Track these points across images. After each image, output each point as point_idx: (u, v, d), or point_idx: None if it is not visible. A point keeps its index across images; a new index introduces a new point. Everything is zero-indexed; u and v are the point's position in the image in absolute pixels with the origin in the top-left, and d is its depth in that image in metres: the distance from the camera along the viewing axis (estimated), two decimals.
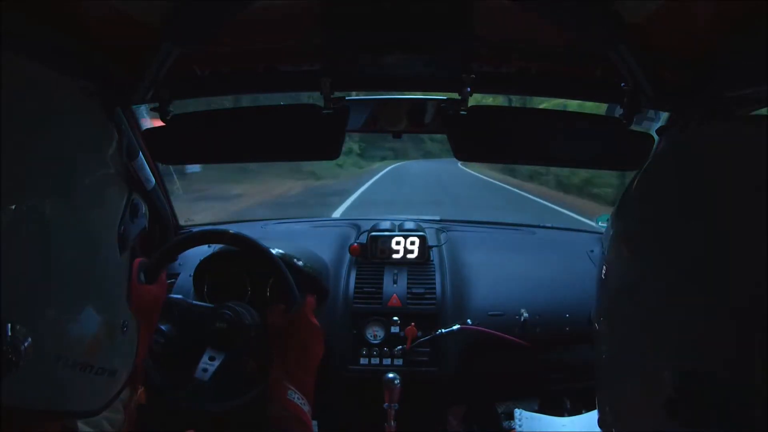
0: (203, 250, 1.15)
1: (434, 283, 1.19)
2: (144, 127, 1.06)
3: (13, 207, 0.37)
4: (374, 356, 1.12)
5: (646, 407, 0.38)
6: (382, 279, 1.20)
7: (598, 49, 0.70)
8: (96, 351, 0.45)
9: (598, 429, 0.50)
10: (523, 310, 1.14)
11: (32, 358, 0.38)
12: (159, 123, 0.91)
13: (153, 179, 1.19)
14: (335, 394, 1.18)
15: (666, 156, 0.49)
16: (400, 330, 1.13)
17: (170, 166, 1.44)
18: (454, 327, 1.11)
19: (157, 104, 0.89)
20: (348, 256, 1.25)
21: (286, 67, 0.92)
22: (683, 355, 0.34)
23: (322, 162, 8.57)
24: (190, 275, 1.15)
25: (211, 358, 0.96)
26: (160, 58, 0.70)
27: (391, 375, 1.04)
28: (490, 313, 1.15)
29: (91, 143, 0.46)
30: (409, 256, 1.24)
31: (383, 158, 16.77)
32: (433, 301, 1.16)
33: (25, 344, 0.38)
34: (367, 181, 10.88)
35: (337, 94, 0.92)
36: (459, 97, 0.92)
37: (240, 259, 1.10)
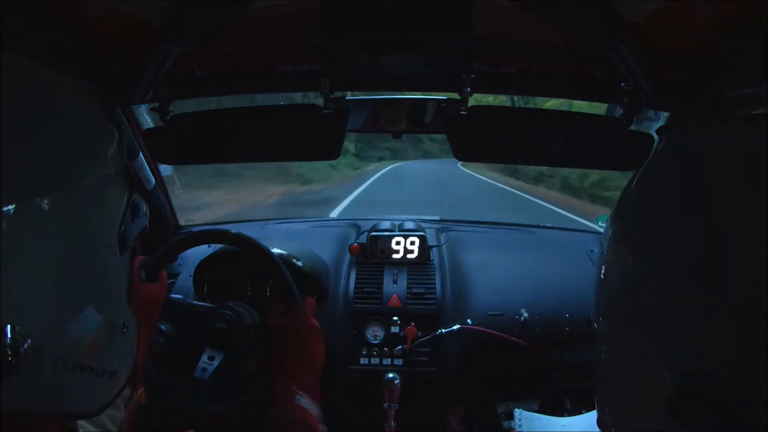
0: (203, 250, 1.15)
1: (434, 283, 1.19)
2: (144, 127, 1.06)
3: (13, 207, 0.37)
4: (374, 356, 1.12)
5: (646, 407, 0.38)
6: (382, 279, 1.20)
7: (598, 49, 0.70)
8: (96, 352, 0.45)
9: (598, 429, 0.50)
10: (523, 310, 1.14)
11: (32, 361, 0.38)
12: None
13: (153, 179, 1.19)
14: (335, 394, 1.18)
15: (666, 156, 0.49)
16: (400, 330, 1.13)
17: (170, 167, 1.44)
18: (454, 327, 1.11)
19: (157, 104, 0.89)
20: (348, 256, 1.25)
21: (286, 67, 0.92)
22: (683, 355, 0.34)
23: (315, 163, 8.48)
24: (190, 275, 1.15)
25: (211, 358, 0.96)
26: (160, 58, 0.70)
27: (391, 375, 1.04)
28: (490, 313, 1.15)
29: (91, 143, 0.46)
30: (409, 256, 1.24)
31: (380, 159, 15.93)
32: (433, 301, 1.16)
33: (25, 346, 0.37)
34: (361, 185, 9.90)
35: (337, 94, 0.92)
36: (459, 97, 0.92)
37: (240, 259, 1.10)
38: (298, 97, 1.27)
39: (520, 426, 0.81)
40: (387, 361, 1.12)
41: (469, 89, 0.90)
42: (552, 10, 0.62)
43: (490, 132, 0.94)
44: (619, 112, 0.85)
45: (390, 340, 1.13)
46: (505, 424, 1.13)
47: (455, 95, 0.93)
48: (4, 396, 0.37)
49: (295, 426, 0.69)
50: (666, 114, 0.87)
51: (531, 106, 5.55)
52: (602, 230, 1.42)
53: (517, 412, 0.84)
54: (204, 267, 1.14)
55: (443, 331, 1.11)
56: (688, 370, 0.34)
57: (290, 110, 0.98)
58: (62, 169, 0.41)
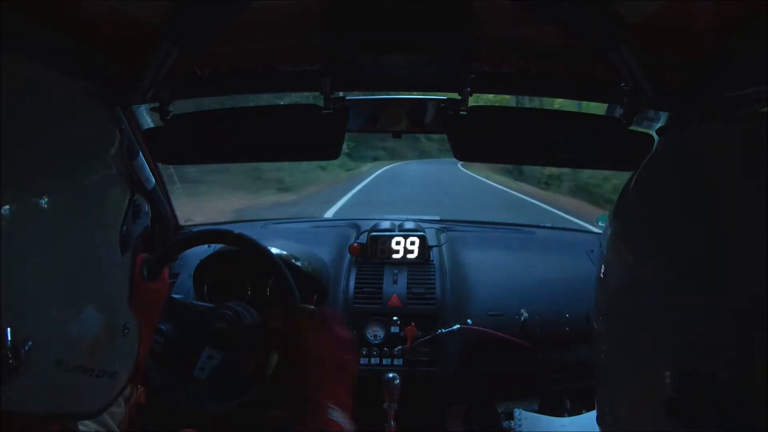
0: (203, 250, 1.15)
1: (434, 283, 1.19)
2: (144, 127, 1.06)
3: (14, 208, 0.37)
4: (374, 356, 1.12)
5: (646, 407, 0.38)
6: (382, 279, 1.20)
7: (598, 49, 0.70)
8: (97, 354, 0.45)
9: (598, 429, 0.50)
10: (523, 310, 1.14)
11: (33, 362, 0.38)
12: None
13: (153, 179, 1.19)
14: None
15: (665, 156, 0.49)
16: (400, 330, 1.13)
17: (170, 167, 1.44)
18: (454, 327, 1.11)
19: (157, 104, 0.89)
20: (348, 256, 1.25)
21: (286, 67, 0.92)
22: (682, 355, 0.34)
23: (300, 165, 8.10)
24: (190, 275, 1.15)
25: (210, 358, 0.96)
26: (160, 58, 0.70)
27: (391, 375, 1.04)
28: (490, 313, 1.15)
29: (91, 143, 0.46)
30: (409, 256, 1.24)
31: (375, 158, 14.53)
32: (433, 301, 1.16)
33: (26, 348, 0.37)
34: (350, 190, 8.50)
35: (337, 94, 0.92)
36: (459, 97, 0.92)
37: (240, 259, 1.10)
38: (298, 97, 1.27)
39: (520, 426, 0.81)
40: (387, 361, 1.12)
41: (469, 89, 0.90)
42: (552, 10, 0.62)
43: (490, 132, 0.94)
44: (619, 112, 0.85)
45: (390, 340, 1.13)
46: (505, 424, 1.13)
47: (455, 95, 0.93)
48: (4, 397, 0.37)
49: None
50: (666, 114, 0.87)
51: (537, 106, 5.38)
52: (602, 230, 1.42)
53: (517, 412, 0.84)
54: (204, 267, 1.14)
55: (443, 331, 1.11)
56: (688, 370, 0.34)
57: (290, 110, 0.98)
58: (63, 170, 0.41)
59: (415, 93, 1.06)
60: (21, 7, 0.54)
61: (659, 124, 0.92)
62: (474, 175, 12.00)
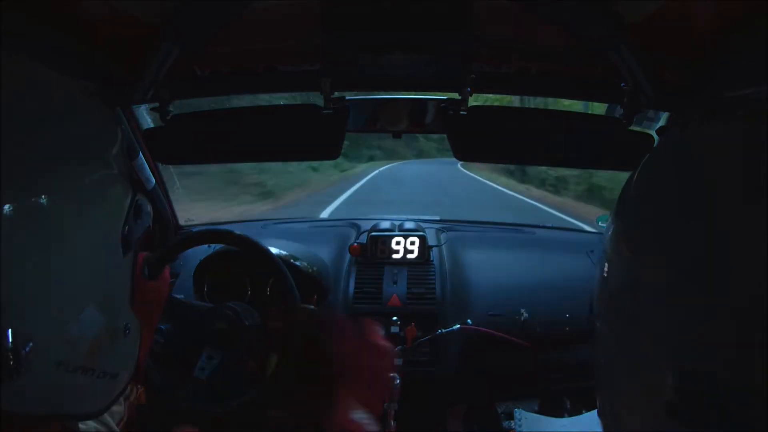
0: (203, 250, 1.15)
1: (434, 283, 1.19)
2: (144, 127, 1.06)
3: (14, 208, 0.37)
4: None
5: (647, 407, 0.38)
6: (382, 279, 1.20)
7: (598, 49, 0.70)
8: (98, 355, 0.45)
9: (598, 429, 0.50)
10: (523, 310, 1.14)
11: (33, 363, 0.38)
12: None
13: (153, 179, 1.19)
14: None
15: (665, 155, 0.49)
16: (400, 330, 1.13)
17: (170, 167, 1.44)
18: (454, 327, 1.11)
19: (157, 104, 0.89)
20: (348, 256, 1.25)
21: (286, 67, 0.92)
22: (685, 356, 0.34)
23: (290, 166, 7.98)
24: (190, 275, 1.15)
25: (210, 358, 0.96)
26: (160, 58, 0.70)
27: (391, 375, 1.04)
28: (490, 313, 1.15)
29: (92, 143, 0.46)
30: (409, 256, 1.24)
31: (371, 158, 13.87)
32: (433, 301, 1.16)
33: (27, 349, 0.37)
34: (339, 196, 7.51)
35: (337, 94, 0.92)
36: (459, 97, 0.92)
37: (240, 259, 1.10)
38: (298, 97, 1.27)
39: (520, 426, 0.81)
40: None
41: (469, 89, 0.90)
42: (552, 10, 0.62)
43: (490, 132, 0.94)
44: (619, 112, 0.85)
45: (390, 340, 1.13)
46: (505, 424, 1.13)
47: (455, 95, 0.93)
48: (4, 397, 0.37)
49: None
50: (666, 114, 0.87)
51: (543, 106, 5.26)
52: (602, 230, 1.41)
53: (517, 412, 0.84)
54: (204, 267, 1.14)
55: (443, 331, 1.11)
56: (690, 370, 0.34)
57: (290, 110, 0.98)
58: (63, 170, 0.41)
59: (415, 93, 1.06)
60: (21, 7, 0.54)
61: (659, 124, 0.92)
62: (475, 176, 11.44)
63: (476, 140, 0.95)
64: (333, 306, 1.17)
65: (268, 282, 1.13)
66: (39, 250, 0.38)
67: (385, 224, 1.30)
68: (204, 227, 1.42)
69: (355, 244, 1.24)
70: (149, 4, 0.61)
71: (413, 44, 0.82)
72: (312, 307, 1.08)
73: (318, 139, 0.96)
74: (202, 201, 5.58)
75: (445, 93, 1.02)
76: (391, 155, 15.18)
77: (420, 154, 16.64)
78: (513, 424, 0.83)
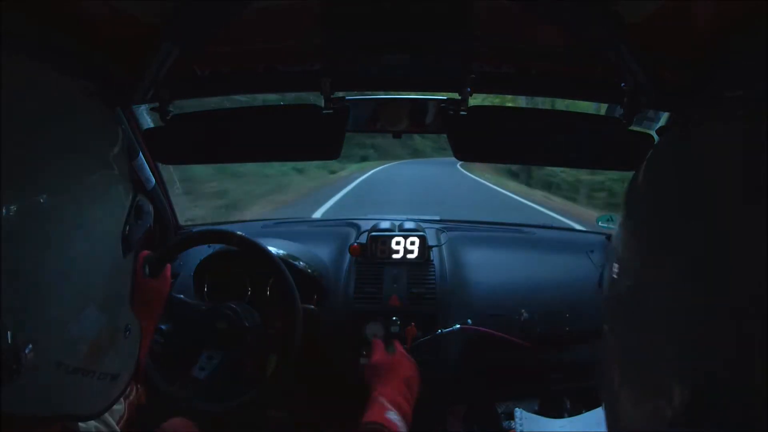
0: (203, 250, 1.15)
1: (434, 283, 1.19)
2: (144, 127, 1.06)
3: (14, 208, 0.37)
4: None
5: (657, 409, 0.38)
6: (382, 279, 1.20)
7: (598, 49, 0.70)
8: (98, 356, 0.45)
9: (598, 429, 0.50)
10: (523, 310, 1.14)
11: (33, 364, 0.38)
12: None
13: (153, 179, 1.19)
14: (335, 394, 1.18)
15: (666, 156, 0.49)
16: (400, 330, 1.13)
17: (170, 167, 1.44)
18: (454, 327, 1.11)
19: (157, 104, 0.89)
20: (348, 256, 1.25)
21: (286, 67, 0.92)
22: (697, 357, 0.34)
23: (273, 167, 7.50)
24: (190, 275, 1.15)
25: (210, 357, 0.96)
26: (160, 58, 0.70)
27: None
28: (490, 313, 1.15)
29: (92, 143, 0.46)
30: (409, 256, 1.24)
31: (364, 158, 12.74)
32: (433, 301, 1.16)
33: (26, 350, 0.37)
34: (318, 210, 6.04)
35: (337, 94, 0.92)
36: (459, 97, 0.92)
37: (240, 259, 1.10)
38: (298, 97, 1.27)
39: (520, 426, 0.81)
40: None
41: (469, 89, 0.90)
42: (552, 10, 0.62)
43: (490, 132, 0.94)
44: (619, 112, 0.85)
45: (390, 340, 1.13)
46: (505, 424, 1.13)
47: (455, 95, 0.93)
48: (4, 399, 0.37)
49: None
50: (666, 114, 0.87)
51: (549, 106, 5.04)
52: (602, 230, 1.41)
53: (517, 412, 0.84)
54: (204, 267, 1.14)
55: (443, 331, 1.11)
56: (705, 373, 0.33)
57: (290, 110, 0.98)
58: (63, 170, 0.41)
59: (415, 93, 1.06)
60: (21, 7, 0.54)
61: (659, 124, 0.92)
62: (479, 179, 10.20)
63: (476, 140, 0.95)
64: (333, 306, 1.17)
65: (268, 282, 1.13)
66: (39, 250, 0.38)
67: (385, 224, 1.30)
68: (204, 227, 1.42)
69: (355, 244, 1.24)
70: (149, 4, 0.61)
71: (413, 44, 0.82)
72: (312, 307, 1.08)
73: (318, 139, 0.96)
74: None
75: (445, 93, 1.02)
76: (385, 155, 14.20)
77: (415, 153, 15.84)
78: (513, 424, 0.83)
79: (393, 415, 0.79)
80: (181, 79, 0.89)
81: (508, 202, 7.75)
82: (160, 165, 1.22)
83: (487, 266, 1.27)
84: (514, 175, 10.05)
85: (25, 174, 0.38)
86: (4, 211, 0.36)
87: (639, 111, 0.82)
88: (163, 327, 0.98)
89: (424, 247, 1.23)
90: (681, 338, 0.35)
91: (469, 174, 10.72)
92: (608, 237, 1.36)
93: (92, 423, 0.62)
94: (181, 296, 1.02)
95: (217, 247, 1.15)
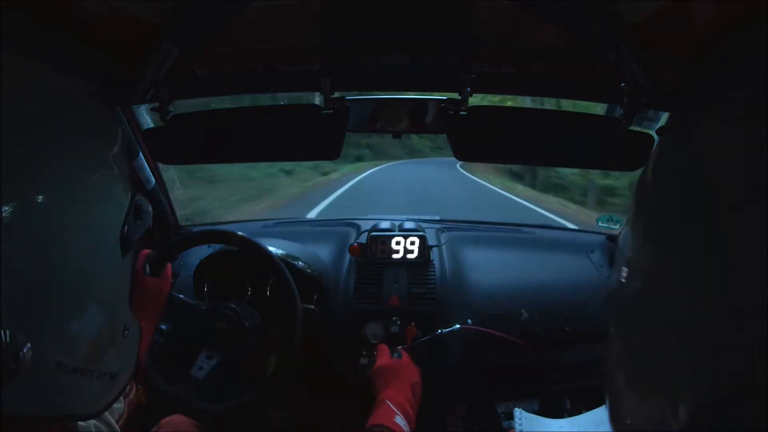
0: (203, 250, 1.15)
1: (434, 283, 1.19)
2: (144, 127, 1.07)
3: (14, 208, 0.37)
4: (374, 356, 1.12)
5: (665, 410, 0.37)
6: (382, 279, 1.20)
7: (598, 49, 0.70)
8: (97, 356, 0.45)
9: (598, 429, 0.50)
10: (523, 310, 1.14)
11: (32, 364, 0.38)
12: None
13: (153, 179, 1.19)
14: (335, 395, 1.18)
15: (666, 157, 0.49)
16: (399, 330, 1.13)
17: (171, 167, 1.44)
18: (454, 327, 1.11)
19: (157, 104, 0.89)
20: (348, 256, 1.25)
21: (286, 67, 0.92)
22: (710, 359, 0.34)
23: (259, 166, 7.01)
24: (190, 275, 1.15)
25: (209, 357, 0.96)
26: (160, 58, 0.70)
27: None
28: (490, 313, 1.15)
29: (92, 143, 0.46)
30: (409, 256, 1.24)
31: (359, 158, 12.05)
32: (433, 301, 1.16)
33: (24, 351, 0.37)
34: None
35: (337, 94, 0.92)
36: (459, 97, 0.92)
37: (240, 259, 1.10)
38: (298, 97, 1.27)
39: (520, 426, 0.80)
40: None
41: (469, 89, 0.90)
42: (552, 10, 0.62)
43: (490, 132, 0.94)
44: (619, 112, 0.85)
45: (390, 339, 1.13)
46: (505, 424, 1.13)
47: (455, 95, 0.93)
48: (4, 399, 0.37)
49: None
50: (666, 114, 0.87)
51: (554, 107, 4.91)
52: (602, 230, 1.41)
53: (517, 412, 0.83)
54: (204, 267, 1.14)
55: (443, 331, 1.11)
56: (716, 373, 0.33)
57: (290, 110, 0.98)
58: (63, 170, 0.41)
59: (415, 93, 1.06)
60: (21, 7, 0.54)
61: (659, 124, 0.92)
62: (482, 182, 9.50)
63: (476, 140, 0.95)
64: (333, 306, 1.17)
65: (268, 282, 1.13)
66: (37, 250, 0.38)
67: (385, 224, 1.30)
68: (204, 227, 1.42)
69: (355, 244, 1.24)
70: (149, 4, 0.61)
71: (413, 44, 0.82)
72: (312, 307, 1.08)
73: (318, 139, 0.96)
74: None
75: (445, 93, 1.02)
76: (381, 155, 13.37)
77: (413, 153, 15.15)
78: (513, 424, 0.83)
79: (400, 420, 0.80)
80: (181, 79, 0.89)
81: (521, 210, 7.14)
82: (160, 165, 1.22)
83: (487, 266, 1.27)
84: (518, 177, 9.44)
85: (25, 174, 0.38)
86: (3, 210, 0.36)
87: (639, 111, 0.82)
88: (163, 327, 0.98)
89: (424, 247, 1.23)
90: (690, 339, 0.35)
91: (471, 176, 10.13)
92: (608, 237, 1.36)
93: (92, 421, 0.62)
94: (182, 296, 1.02)
95: (217, 247, 1.15)
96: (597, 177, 7.10)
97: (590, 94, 0.97)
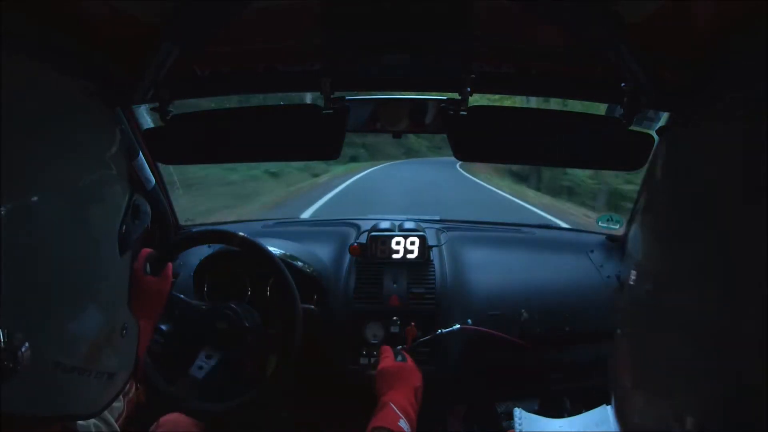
0: (203, 250, 1.15)
1: (434, 283, 1.19)
2: (144, 127, 1.07)
3: (13, 208, 0.37)
4: (374, 356, 1.12)
5: (674, 409, 0.37)
6: (382, 279, 1.20)
7: (598, 49, 0.70)
8: (95, 355, 0.45)
9: (598, 429, 0.50)
10: (523, 310, 1.14)
11: (30, 364, 0.38)
12: None
13: (153, 179, 1.19)
14: (335, 395, 1.18)
15: (667, 158, 0.49)
16: (399, 330, 1.13)
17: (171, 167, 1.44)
18: (454, 327, 1.11)
19: (157, 104, 0.89)
20: (348, 256, 1.25)
21: (286, 67, 0.93)
22: (720, 359, 0.34)
23: (241, 169, 6.72)
24: (190, 275, 1.15)
25: (209, 357, 0.96)
26: (160, 58, 0.70)
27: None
28: (490, 312, 1.15)
29: (91, 143, 0.46)
30: (409, 256, 1.24)
31: (353, 158, 11.29)
32: (433, 301, 1.16)
33: (23, 350, 0.37)
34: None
35: (337, 94, 0.92)
36: (459, 97, 0.92)
37: (240, 259, 1.11)
38: (298, 97, 1.27)
39: (520, 426, 0.80)
40: None
41: (469, 89, 0.90)
42: (552, 10, 0.62)
43: (490, 132, 0.94)
44: (619, 112, 0.85)
45: (390, 339, 1.13)
46: (505, 424, 1.13)
47: (455, 95, 0.93)
48: (3, 399, 0.37)
49: None
50: (666, 114, 0.87)
51: (560, 107, 4.83)
52: (602, 230, 1.41)
53: (517, 412, 0.83)
54: (204, 267, 1.14)
55: (443, 331, 1.11)
56: (728, 372, 0.33)
57: (290, 110, 0.98)
58: (62, 170, 0.41)
59: (415, 93, 1.06)
60: (21, 7, 0.54)
61: (659, 124, 0.92)
62: (486, 185, 8.79)
63: (476, 140, 0.95)
64: (333, 306, 1.17)
65: (268, 282, 1.13)
66: (35, 249, 0.38)
67: (385, 224, 1.30)
68: (204, 227, 1.42)
69: (355, 244, 1.24)
70: (149, 4, 0.61)
71: (413, 44, 0.82)
72: (312, 307, 1.08)
73: (318, 139, 0.96)
74: None
75: (445, 93, 1.02)
76: (377, 155, 12.54)
77: (410, 153, 14.32)
78: (513, 424, 0.83)
79: (404, 424, 0.80)
80: (181, 79, 0.89)
81: (519, 209, 6.54)
82: (160, 165, 1.22)
83: (487, 266, 1.27)
84: (521, 179, 8.82)
85: (25, 174, 0.38)
86: (3, 210, 0.36)
87: (639, 111, 0.82)
88: (163, 327, 0.98)
89: (424, 247, 1.23)
90: (700, 339, 0.34)
91: (474, 178, 9.48)
92: (608, 237, 1.36)
93: (91, 420, 0.62)
94: (182, 296, 1.02)
95: (218, 247, 1.15)
96: (615, 181, 6.43)
97: (590, 94, 0.97)
